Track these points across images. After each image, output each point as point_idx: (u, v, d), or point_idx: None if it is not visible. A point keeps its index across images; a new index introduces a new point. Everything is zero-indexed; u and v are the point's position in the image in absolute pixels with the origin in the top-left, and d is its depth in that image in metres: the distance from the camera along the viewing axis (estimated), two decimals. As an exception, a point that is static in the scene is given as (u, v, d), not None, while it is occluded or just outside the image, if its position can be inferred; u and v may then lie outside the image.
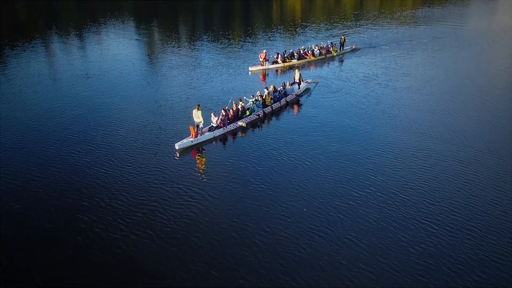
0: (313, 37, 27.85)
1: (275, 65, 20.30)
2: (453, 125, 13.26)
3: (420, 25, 31.48)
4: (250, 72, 19.49)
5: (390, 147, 11.76)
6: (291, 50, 21.46)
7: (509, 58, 21.58)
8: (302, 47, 21.86)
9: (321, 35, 28.48)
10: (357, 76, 18.76)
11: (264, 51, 20.54)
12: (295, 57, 20.98)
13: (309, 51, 21.55)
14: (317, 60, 21.39)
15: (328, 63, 21.21)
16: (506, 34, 27.67)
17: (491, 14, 38.99)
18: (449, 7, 42.40)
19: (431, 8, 41.54)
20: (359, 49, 23.35)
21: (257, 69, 19.84)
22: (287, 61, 20.64)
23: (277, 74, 19.69)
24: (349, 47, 23.27)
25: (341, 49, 22.74)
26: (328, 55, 21.89)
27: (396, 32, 29.00)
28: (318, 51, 21.65)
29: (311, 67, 20.55)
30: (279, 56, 20.49)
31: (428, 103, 15.27)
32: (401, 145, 11.92)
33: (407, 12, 39.33)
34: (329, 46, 22.34)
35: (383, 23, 32.97)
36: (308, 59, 21.19)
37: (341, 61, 21.53)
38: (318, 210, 8.85)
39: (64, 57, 23.68)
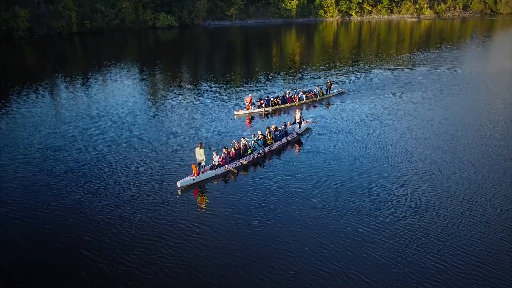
0: (307, 80, 29.27)
1: (260, 109, 21.13)
2: (454, 162, 13.82)
3: (417, 68, 33.86)
4: (235, 116, 20.26)
5: (393, 184, 12.21)
6: (276, 94, 22.37)
7: (508, 98, 22.97)
8: (287, 91, 22.85)
9: (315, 79, 29.90)
10: (358, 116, 19.81)
11: (250, 95, 21.47)
12: (280, 101, 21.84)
13: (295, 95, 22.50)
14: (303, 103, 22.24)
15: (315, 107, 22.12)
16: (504, 76, 29.26)
17: (487, 58, 42.10)
18: (445, 51, 45.84)
19: (427, 52, 44.98)
20: (345, 93, 24.57)
21: (243, 113, 20.69)
22: (272, 105, 21.52)
23: (261, 118, 20.46)
24: (336, 90, 24.47)
25: (328, 92, 23.92)
26: (315, 99, 22.88)
27: (394, 74, 31.09)
28: (303, 95, 22.68)
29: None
30: (261, 101, 21.29)
31: (429, 142, 16.01)
32: (404, 182, 12.37)
33: (404, 56, 42.53)
34: (315, 90, 23.40)
35: (380, 66, 35.55)
36: (294, 103, 22.08)
37: (328, 104, 22.51)
38: (323, 246, 9.06)
39: (70, 98, 24.94)
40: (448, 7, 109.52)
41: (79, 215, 10.68)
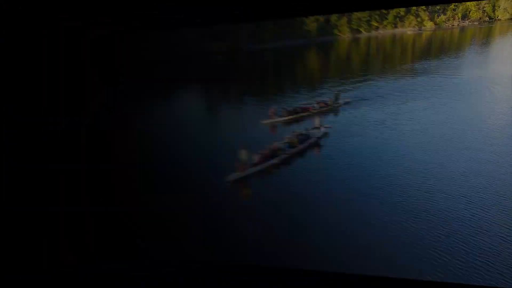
0: (323, 91, 28.47)
1: (282, 118, 21.42)
2: (456, 164, 13.22)
3: (420, 76, 31.26)
4: (263, 125, 20.90)
5: (397, 183, 12.08)
6: (294, 105, 22.65)
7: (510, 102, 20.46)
8: (304, 102, 23.32)
9: (329, 89, 28.73)
10: (367, 121, 19.86)
11: (274, 107, 21.91)
12: (298, 111, 22.07)
13: (310, 105, 22.79)
14: (317, 112, 21.85)
15: (327, 114, 21.86)
16: (505, 81, 26.42)
17: (487, 64, 37.18)
18: (445, 59, 41.46)
19: (428, 61, 40.99)
20: (351, 102, 23.84)
21: (268, 122, 21.19)
22: (294, 114, 21.60)
23: (283, 125, 20.60)
24: (342, 100, 24.06)
25: (336, 102, 23.73)
26: (325, 108, 22.60)
27: (399, 83, 29.34)
28: (317, 105, 22.84)
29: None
30: (284, 111, 21.65)
31: (432, 145, 15.57)
32: (407, 181, 12.20)
33: (407, 66, 39.22)
34: (326, 100, 23.40)
35: (387, 76, 33.30)
36: (309, 112, 22.02)
37: (337, 112, 22.28)
38: (337, 234, 9.37)
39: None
40: (447, 17, 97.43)
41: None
